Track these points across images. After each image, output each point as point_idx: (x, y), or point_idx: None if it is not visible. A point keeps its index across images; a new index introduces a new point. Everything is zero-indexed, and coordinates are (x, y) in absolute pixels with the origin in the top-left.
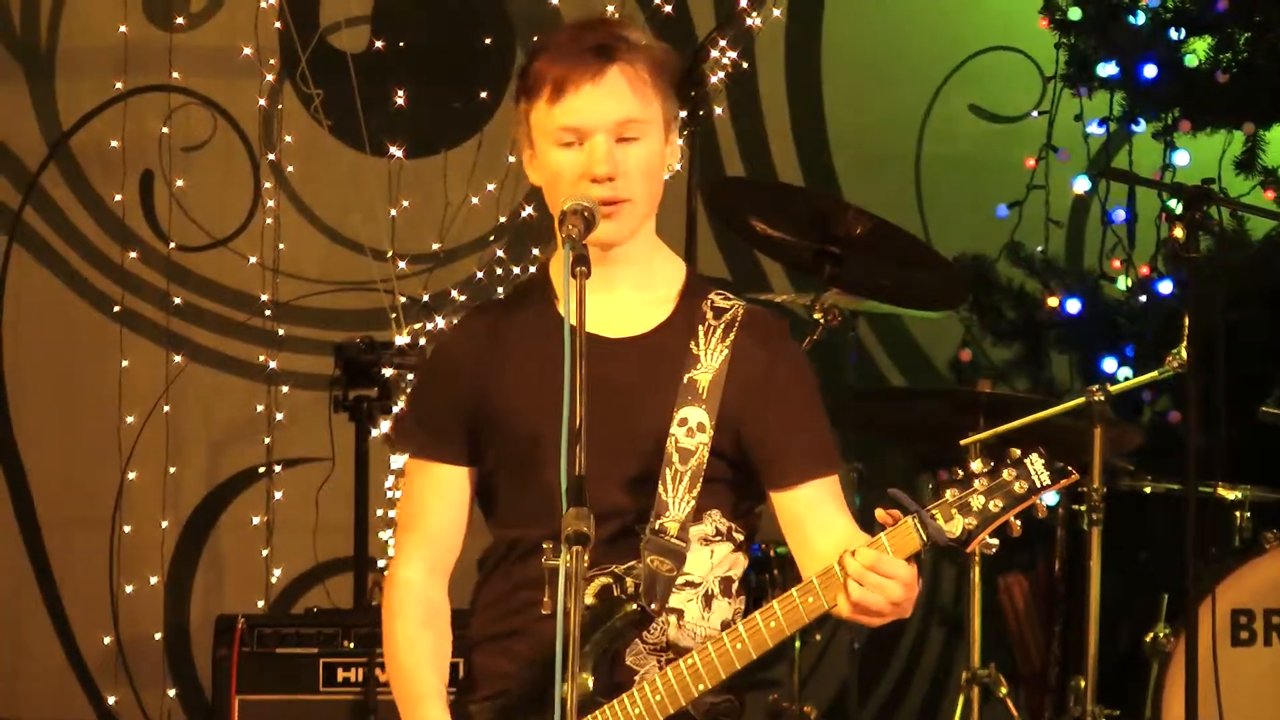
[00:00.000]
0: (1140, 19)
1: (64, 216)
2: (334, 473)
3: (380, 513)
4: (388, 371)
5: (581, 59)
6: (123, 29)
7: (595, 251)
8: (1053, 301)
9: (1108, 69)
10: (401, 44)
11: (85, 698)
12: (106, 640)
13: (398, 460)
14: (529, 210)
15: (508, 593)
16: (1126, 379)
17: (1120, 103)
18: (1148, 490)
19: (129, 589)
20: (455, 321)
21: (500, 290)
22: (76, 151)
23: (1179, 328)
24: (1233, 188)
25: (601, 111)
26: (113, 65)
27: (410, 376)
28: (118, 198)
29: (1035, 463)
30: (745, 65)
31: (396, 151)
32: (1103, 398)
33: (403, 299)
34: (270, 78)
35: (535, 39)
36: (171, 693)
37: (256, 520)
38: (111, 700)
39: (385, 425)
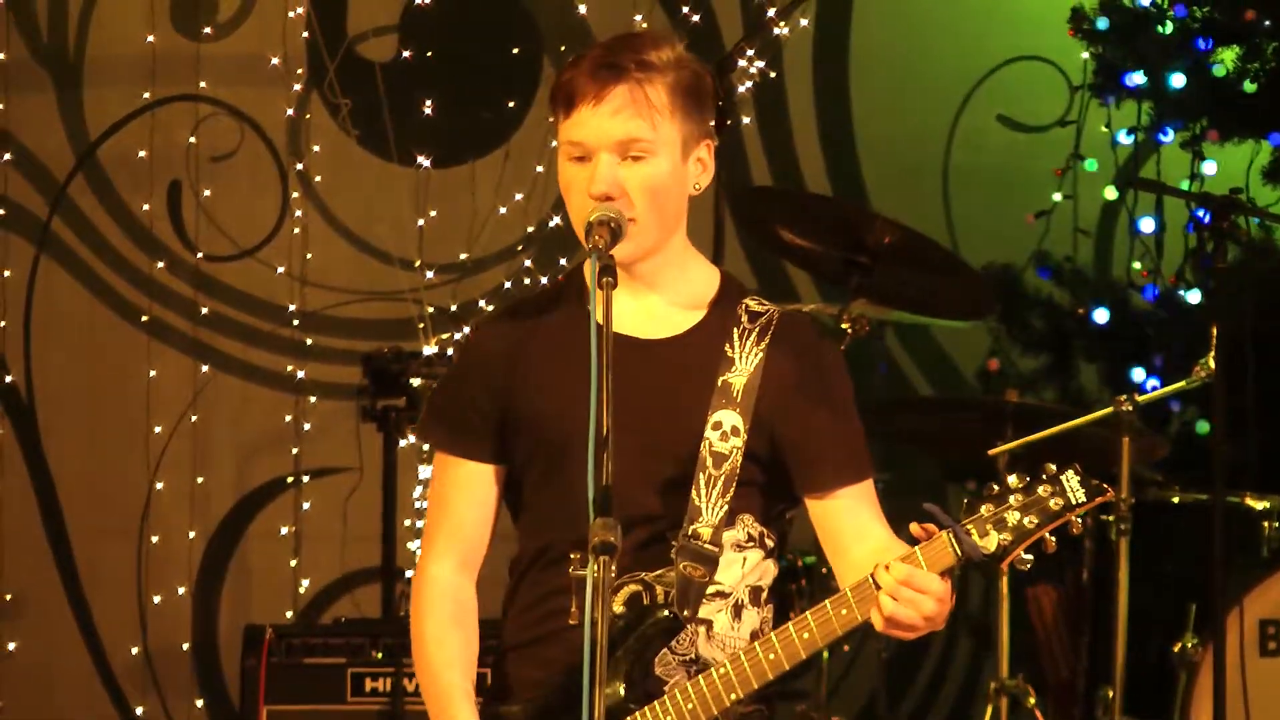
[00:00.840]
0: (1168, 29)
1: (92, 227)
2: (362, 483)
3: (408, 523)
4: (415, 381)
5: (592, 76)
6: (150, 38)
7: (623, 265)
8: (1080, 311)
9: (1135, 79)
10: (429, 54)
11: (113, 708)
12: (134, 650)
13: (426, 471)
14: (556, 220)
15: (537, 600)
16: (1154, 389)
17: (1148, 112)
18: (1175, 500)
19: (157, 599)
20: (487, 317)
21: None
22: (104, 161)
23: (1207, 337)
24: (1260, 197)
25: (603, 130)
26: (140, 75)
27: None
28: (145, 207)
29: (1071, 479)
30: (773, 74)
31: (424, 161)
32: (1130, 408)
33: (430, 309)
34: (298, 87)
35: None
36: (199, 703)
37: (284, 530)
38: (139, 710)
39: (413, 435)
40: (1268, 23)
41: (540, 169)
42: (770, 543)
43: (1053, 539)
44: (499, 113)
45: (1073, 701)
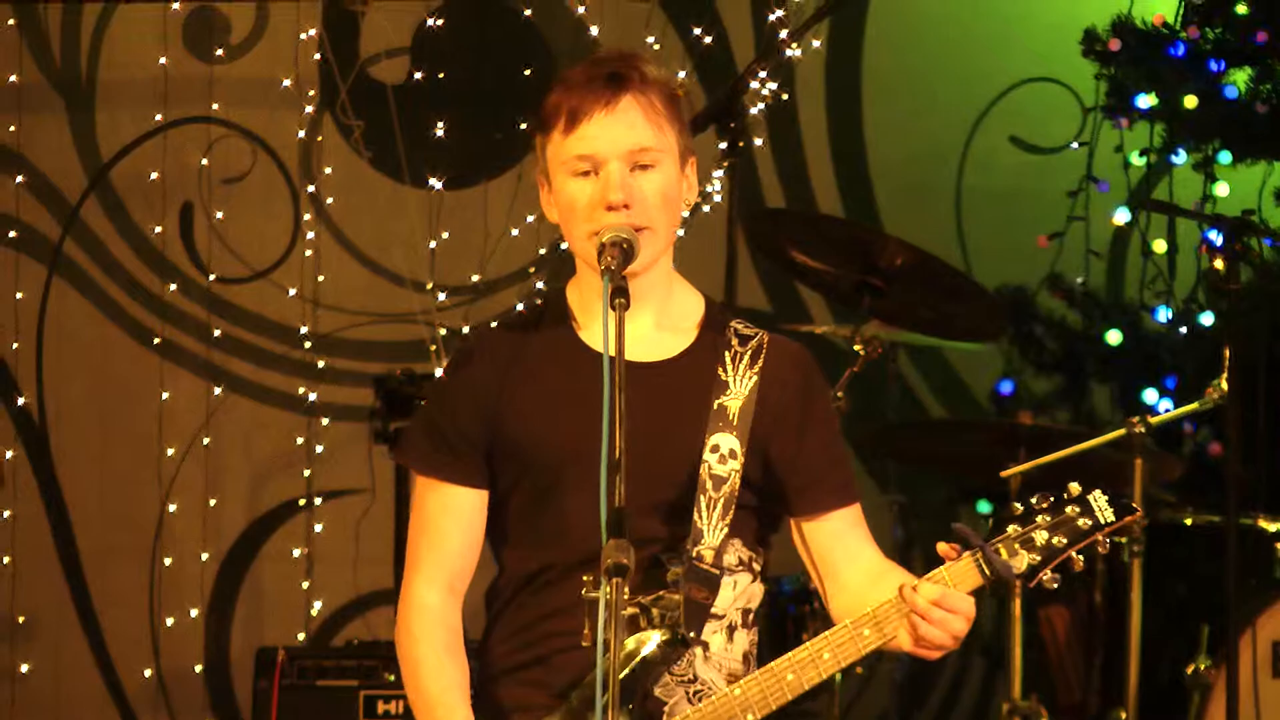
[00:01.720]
0: (1180, 50)
1: (104, 248)
2: (374, 505)
3: None
4: (424, 400)
5: (594, 89)
6: (162, 61)
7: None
8: (1093, 333)
9: (1147, 100)
10: (441, 75)
11: None
12: (147, 672)
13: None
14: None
15: (529, 624)
16: (1167, 410)
17: (1160, 134)
18: (1188, 522)
19: (169, 621)
20: (469, 343)
21: None
22: (116, 183)
23: (1220, 359)
24: (1273, 218)
25: (615, 139)
26: (153, 97)
27: None
28: (158, 229)
29: (1099, 499)
30: (785, 96)
31: (436, 183)
32: (1143, 429)
33: (443, 331)
34: (310, 109)
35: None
36: None
37: (297, 552)
38: None
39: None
40: None
41: (540, 190)
42: (757, 567)
43: (1080, 558)
44: (511, 134)
45: None
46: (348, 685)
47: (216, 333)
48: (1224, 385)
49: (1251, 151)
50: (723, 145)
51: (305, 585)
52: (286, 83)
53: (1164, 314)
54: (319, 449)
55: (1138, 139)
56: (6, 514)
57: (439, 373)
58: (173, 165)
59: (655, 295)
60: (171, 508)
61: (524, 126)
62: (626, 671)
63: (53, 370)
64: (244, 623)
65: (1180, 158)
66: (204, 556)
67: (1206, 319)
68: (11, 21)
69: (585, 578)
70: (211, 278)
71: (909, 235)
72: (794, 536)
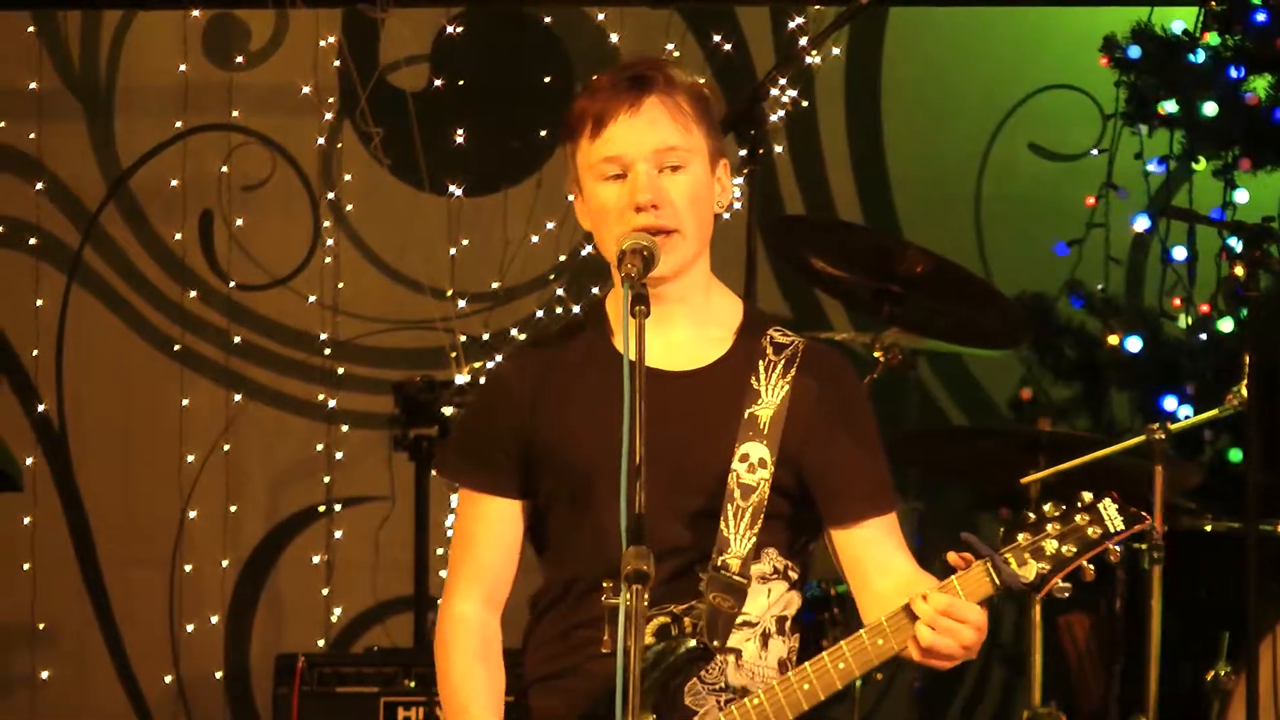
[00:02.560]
0: (1200, 57)
1: (124, 256)
2: (394, 512)
3: (440, 551)
4: (448, 410)
5: (618, 92)
6: (182, 68)
7: (650, 289)
8: (1113, 340)
9: (1167, 107)
10: (461, 83)
11: None
12: (167, 679)
13: (457, 499)
14: (589, 249)
15: (564, 632)
16: (1187, 417)
17: (1180, 141)
18: (1208, 529)
19: (189, 628)
20: (509, 352)
21: None
22: (136, 191)
23: (1239, 366)
24: None
25: (640, 139)
26: (172, 104)
27: None
28: (177, 237)
29: (1109, 507)
30: (805, 103)
31: (456, 190)
32: (1163, 436)
33: (462, 338)
34: (329, 116)
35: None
36: None
37: (316, 559)
38: None
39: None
40: None
41: (572, 198)
42: (794, 575)
43: (1091, 567)
44: (530, 141)
45: None
46: (368, 692)
47: (236, 340)
48: (1244, 392)
49: (1271, 158)
50: (742, 152)
51: (325, 592)
52: (306, 90)
53: (1184, 321)
54: (339, 456)
55: (1158, 146)
56: (26, 520)
57: (459, 379)
58: (192, 172)
59: (692, 300)
60: (191, 514)
61: (544, 134)
62: (654, 680)
63: (72, 377)
64: (264, 629)
65: (1200, 165)
66: (224, 563)
67: (1226, 326)
68: (31, 29)
69: (606, 584)
70: (231, 285)
71: (928, 242)
72: (829, 546)
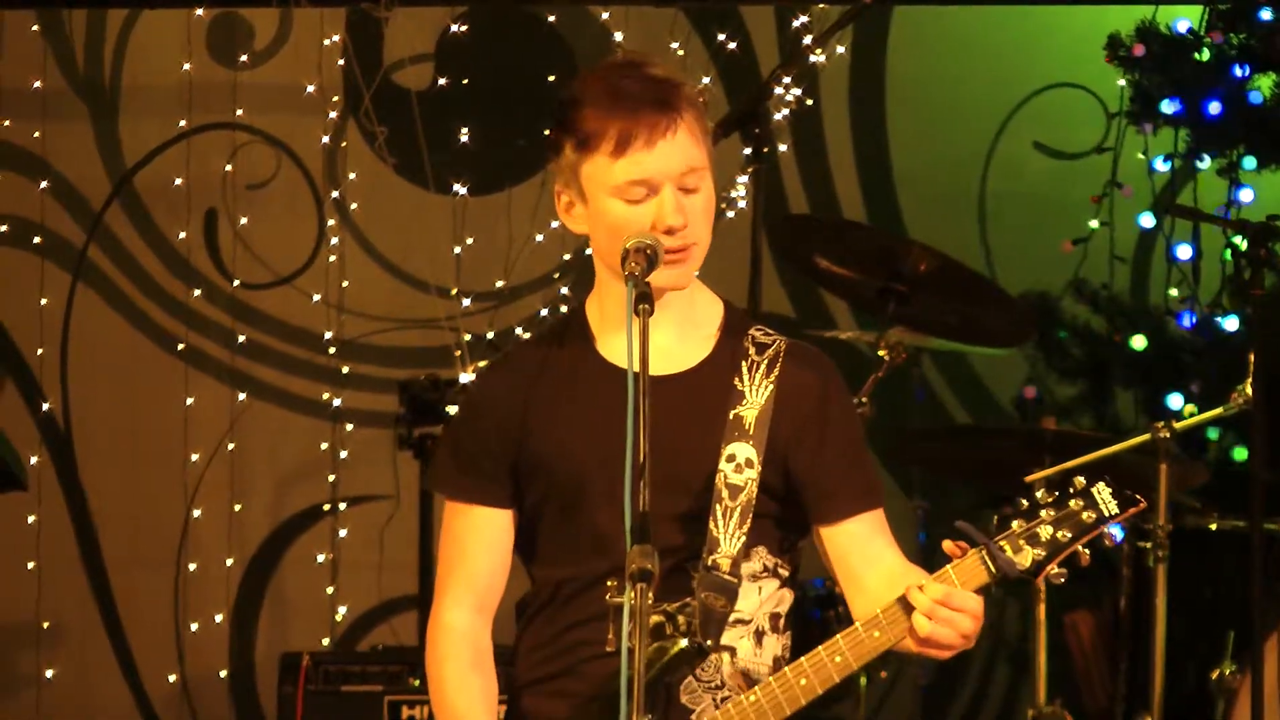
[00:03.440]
0: (1205, 56)
1: (128, 254)
2: (398, 510)
3: None
4: (452, 409)
5: (643, 113)
6: (186, 67)
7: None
8: (1117, 338)
9: (1172, 106)
10: (465, 81)
11: None
12: (172, 678)
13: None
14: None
15: (556, 634)
16: (1192, 415)
17: (1185, 139)
18: (1213, 527)
19: (194, 627)
20: (491, 364)
21: None
22: (140, 189)
23: (1244, 364)
24: None
25: (669, 164)
26: (176, 103)
27: None
28: (182, 235)
29: (1102, 491)
30: (809, 102)
31: (460, 189)
32: (1168, 434)
33: (467, 336)
34: (334, 115)
35: (572, 83)
36: None
37: (321, 558)
38: None
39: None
40: None
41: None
42: (784, 573)
43: (1087, 552)
44: (535, 140)
45: None
46: (373, 690)
47: (241, 339)
48: (1249, 390)
49: (1276, 157)
50: (747, 151)
51: (330, 590)
52: (310, 89)
53: (1188, 319)
54: (343, 454)
55: (1162, 144)
56: (31, 519)
57: (464, 378)
58: (197, 171)
59: (678, 303)
60: (196, 513)
61: (548, 133)
62: (650, 679)
63: (77, 376)
64: (269, 628)
65: (1205, 163)
66: (229, 562)
67: (1231, 324)
68: (35, 27)
69: (609, 583)
70: (235, 284)
71: (933, 241)
72: (817, 544)
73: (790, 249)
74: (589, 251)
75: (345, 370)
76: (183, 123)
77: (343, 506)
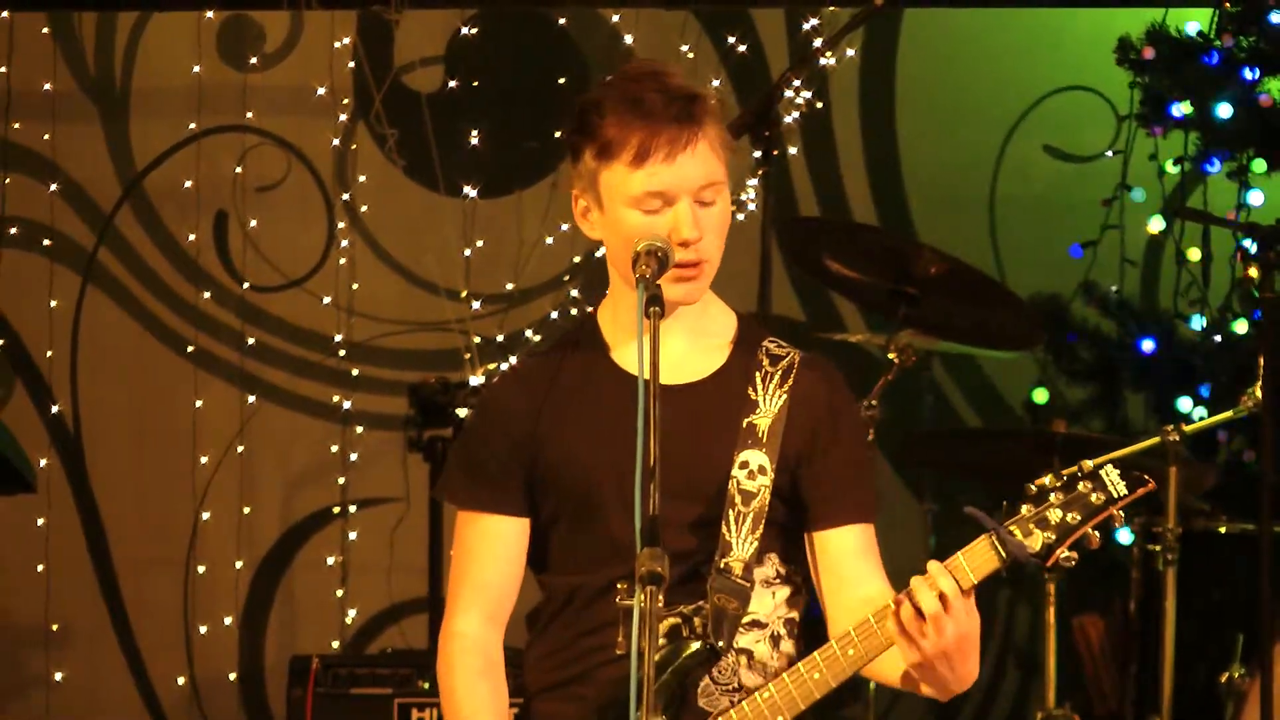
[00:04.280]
0: (1215, 59)
1: (138, 257)
2: (408, 513)
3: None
4: (462, 412)
5: (665, 124)
6: (196, 69)
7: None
8: (1128, 341)
9: (1182, 109)
10: (475, 84)
11: None
12: (181, 681)
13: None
14: (603, 250)
15: (569, 641)
16: (1201, 418)
17: (1195, 142)
18: (1223, 530)
19: (203, 629)
20: (503, 372)
21: None
22: (150, 192)
23: (1254, 367)
24: None
25: (688, 177)
26: (187, 106)
27: None
28: (191, 238)
29: (1110, 473)
30: (819, 105)
31: (471, 191)
32: (1178, 437)
33: (477, 339)
34: (344, 118)
35: (594, 89)
36: None
37: (331, 560)
38: None
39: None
40: None
41: (581, 203)
42: (797, 579)
43: (1096, 534)
44: (545, 142)
45: None
46: (382, 693)
47: (251, 341)
48: (1258, 393)
49: None
50: (757, 154)
51: (340, 593)
52: (321, 91)
53: (1198, 322)
54: (353, 457)
55: (1172, 147)
56: (41, 522)
57: (473, 381)
58: (207, 174)
59: (690, 314)
60: (205, 516)
61: (559, 135)
62: (664, 681)
63: (87, 378)
64: (278, 631)
65: (1215, 166)
66: (238, 564)
67: (1241, 327)
68: (46, 30)
69: (620, 585)
70: (245, 286)
71: (943, 244)
72: (807, 551)
73: (800, 251)
74: (599, 254)
75: (355, 373)
76: (193, 125)
77: (352, 509)
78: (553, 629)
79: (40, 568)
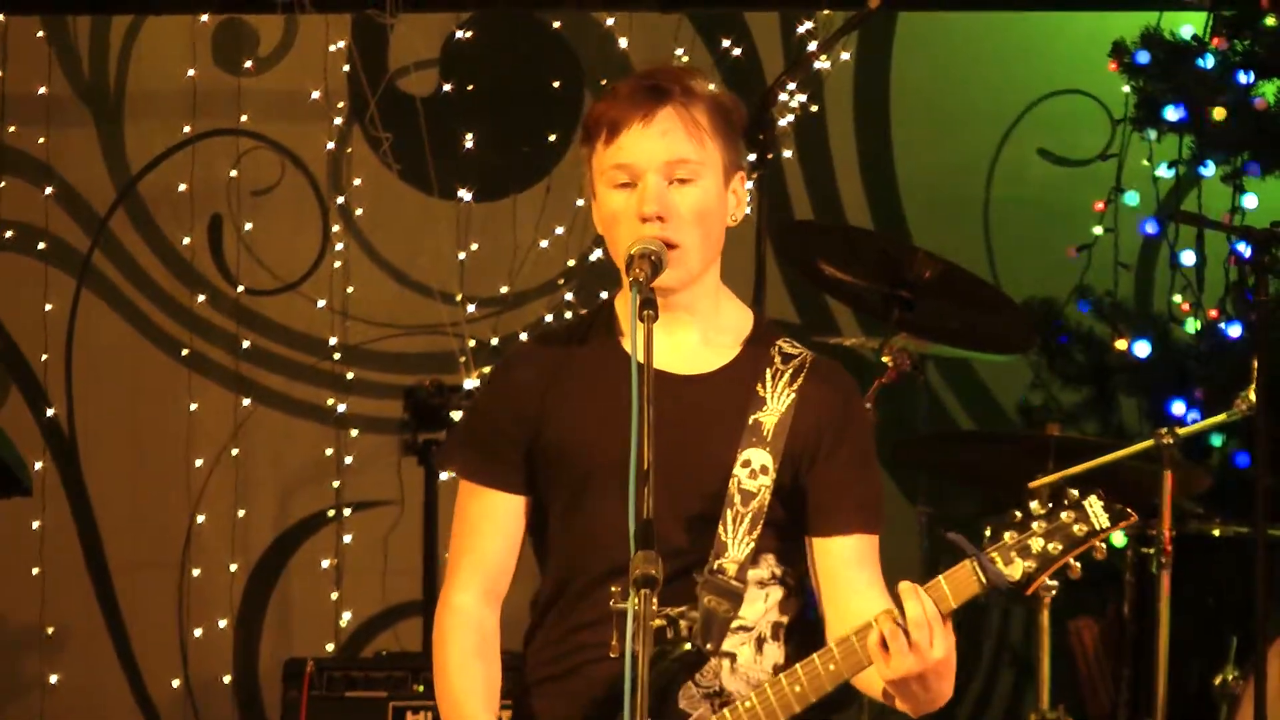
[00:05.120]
0: (1209, 62)
1: (133, 260)
2: (403, 516)
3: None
4: (457, 415)
5: (635, 100)
6: (191, 73)
7: (658, 296)
8: (1121, 345)
9: (1176, 112)
10: (470, 88)
11: None
12: (175, 683)
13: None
14: (598, 254)
15: (563, 635)
16: (1195, 422)
17: (1189, 146)
18: (1216, 533)
19: (198, 632)
20: (517, 349)
21: None
22: (145, 195)
23: (1248, 370)
24: None
25: (652, 150)
26: (181, 109)
27: None
28: (186, 241)
29: (1094, 504)
30: (814, 108)
31: (465, 195)
32: (1171, 440)
33: (472, 342)
34: (339, 121)
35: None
36: None
37: (325, 563)
38: None
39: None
40: None
41: (581, 203)
42: (791, 582)
43: (1078, 565)
44: (540, 146)
45: None
46: (377, 696)
47: (245, 344)
48: (1252, 396)
49: None
50: (751, 157)
51: (334, 596)
52: (315, 95)
53: (1192, 325)
54: (348, 460)
55: (1166, 151)
56: (35, 525)
57: (468, 384)
58: (201, 177)
59: (700, 308)
60: (200, 519)
61: (553, 138)
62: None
63: (82, 382)
64: (272, 634)
65: (1209, 170)
66: (233, 567)
67: (1235, 330)
68: (40, 34)
69: (614, 588)
70: (240, 289)
71: (937, 247)
72: (808, 556)
73: (795, 255)
74: (594, 258)
75: (350, 376)
76: (187, 129)
77: (347, 512)
78: (549, 620)
79: (35, 571)
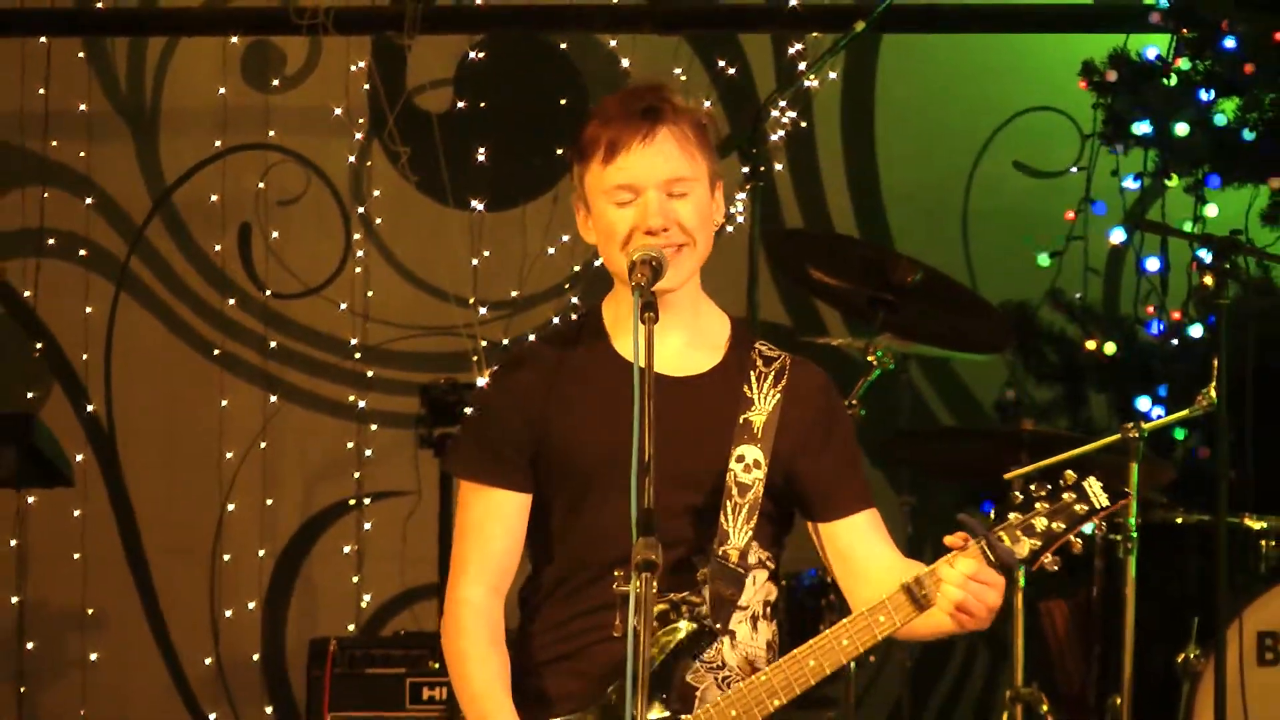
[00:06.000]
0: (1173, 81)
1: (168, 266)
2: (420, 505)
3: None
4: (470, 411)
5: (631, 122)
6: (222, 91)
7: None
8: (1091, 345)
9: (1142, 128)
10: (483, 104)
11: (188, 715)
12: (208, 661)
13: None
14: (602, 260)
15: (570, 618)
16: (1160, 417)
17: (1154, 159)
18: (1179, 521)
19: (228, 614)
20: (515, 354)
21: None
22: (179, 206)
23: (1209, 369)
24: (1259, 238)
25: (652, 169)
26: (213, 125)
27: None
28: (217, 248)
29: (1093, 484)
30: (804, 124)
31: (478, 205)
32: (1138, 435)
33: (483, 343)
34: (360, 136)
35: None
36: (268, 710)
37: (347, 549)
38: (212, 717)
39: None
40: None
41: (577, 213)
42: (772, 566)
43: (1079, 541)
44: (548, 159)
45: (1084, 710)
46: (395, 673)
47: (273, 345)
48: (1213, 394)
49: (1239, 175)
50: (745, 170)
51: (355, 580)
52: (338, 111)
53: (1157, 327)
54: (368, 453)
55: (1132, 164)
56: (77, 513)
57: (480, 382)
58: (232, 189)
59: (684, 314)
60: (230, 507)
61: (560, 152)
62: (659, 663)
63: (120, 380)
64: (298, 615)
65: (1172, 181)
66: (261, 553)
67: (1196, 331)
68: (81, 54)
69: (617, 573)
70: (268, 294)
71: (919, 254)
72: (815, 541)
73: (786, 261)
74: (598, 263)
75: (370, 374)
76: (218, 143)
77: (367, 501)
78: (546, 610)
79: (76, 556)
